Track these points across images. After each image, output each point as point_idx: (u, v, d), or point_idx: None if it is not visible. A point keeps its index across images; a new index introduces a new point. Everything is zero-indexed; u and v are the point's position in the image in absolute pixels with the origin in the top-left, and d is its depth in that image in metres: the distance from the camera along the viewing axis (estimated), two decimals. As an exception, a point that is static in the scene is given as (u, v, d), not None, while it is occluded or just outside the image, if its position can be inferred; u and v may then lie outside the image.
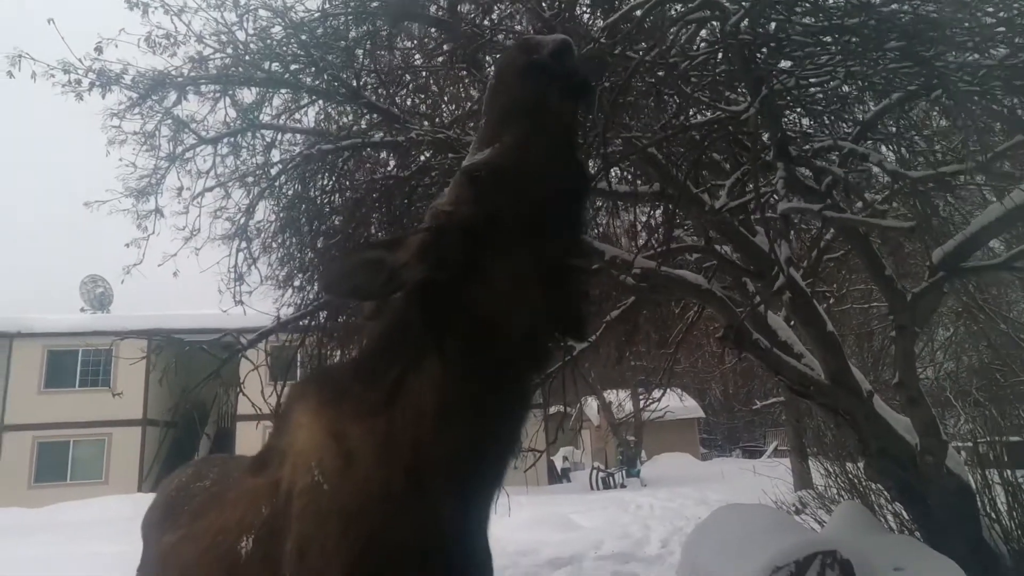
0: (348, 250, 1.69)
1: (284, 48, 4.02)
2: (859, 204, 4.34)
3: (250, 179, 4.44)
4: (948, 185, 2.68)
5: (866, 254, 3.23)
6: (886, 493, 5.62)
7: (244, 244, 4.38)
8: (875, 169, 3.76)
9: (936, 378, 10.17)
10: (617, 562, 8.21)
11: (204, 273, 4.32)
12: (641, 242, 5.59)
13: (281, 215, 4.44)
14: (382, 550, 1.41)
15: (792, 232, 5.59)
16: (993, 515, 4.64)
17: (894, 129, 2.73)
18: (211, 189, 4.17)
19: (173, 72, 4.11)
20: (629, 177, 4.71)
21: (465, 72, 3.67)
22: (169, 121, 4.21)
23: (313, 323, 4.57)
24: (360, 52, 4.00)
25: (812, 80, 2.40)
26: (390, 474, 1.42)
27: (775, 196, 2.20)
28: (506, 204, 1.45)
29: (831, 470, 6.62)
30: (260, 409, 4.15)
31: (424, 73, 4.38)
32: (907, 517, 5.29)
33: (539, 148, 1.48)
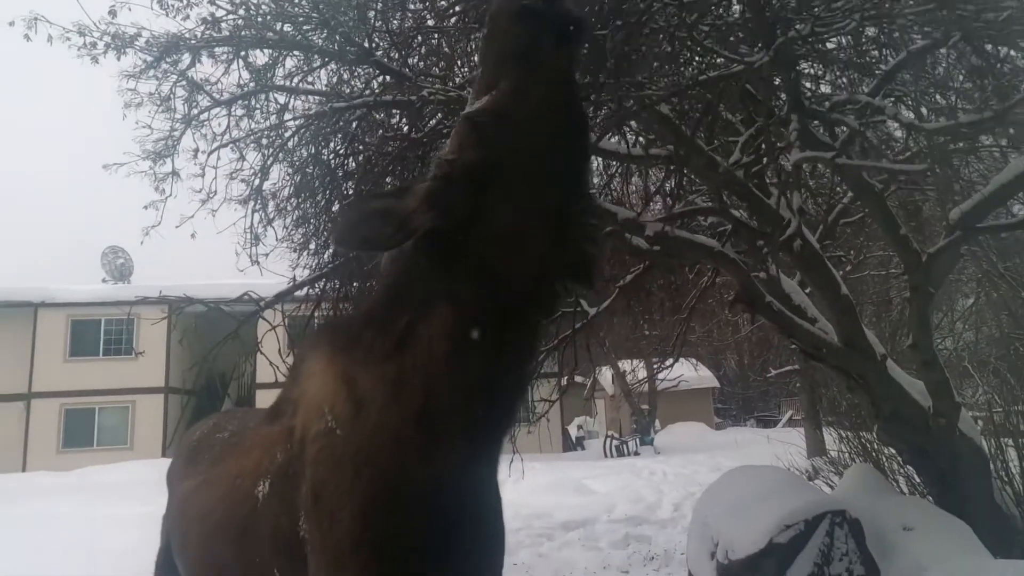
0: (356, 201, 1.72)
1: (295, 8, 4.00)
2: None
3: (264, 140, 4.46)
4: (965, 138, 2.62)
5: (881, 213, 3.19)
6: (898, 457, 5.64)
7: (259, 205, 4.43)
8: (892, 129, 3.70)
9: (955, 348, 10.07)
10: (630, 525, 8.33)
11: (221, 235, 4.40)
12: (656, 207, 5.56)
13: (295, 178, 4.46)
14: (394, 492, 1.45)
15: (807, 194, 5.53)
16: (1005, 478, 4.64)
17: (912, 82, 2.66)
18: (225, 146, 4.19)
19: (186, 35, 4.12)
20: (643, 141, 4.66)
21: (478, 33, 3.62)
22: (183, 83, 4.23)
23: (329, 285, 4.61)
24: (372, 13, 3.96)
25: (827, 28, 2.34)
26: (401, 418, 1.46)
27: (787, 154, 2.18)
28: (507, 149, 1.45)
29: (844, 435, 6.63)
30: (278, 371, 4.22)
31: (436, 36, 4.34)
32: (918, 480, 5.31)
33: (536, 92, 1.47)
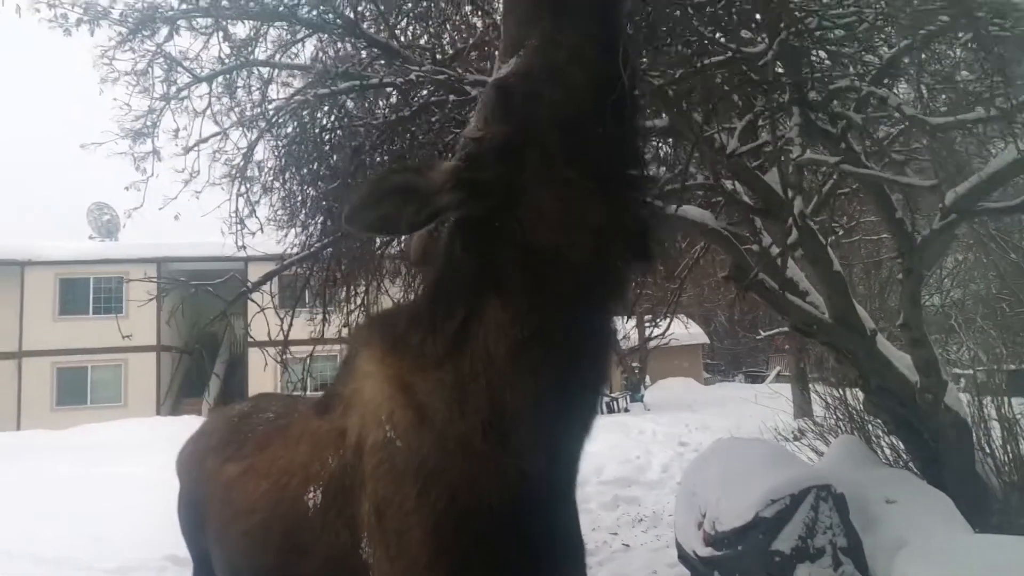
0: (374, 176, 1.49)
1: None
2: (877, 134, 4.21)
3: (247, 117, 4.31)
4: (968, 131, 2.57)
5: (877, 195, 3.16)
6: (883, 426, 5.75)
7: (244, 189, 4.31)
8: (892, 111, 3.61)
9: (942, 306, 10.17)
10: (619, 486, 8.50)
11: (205, 217, 4.28)
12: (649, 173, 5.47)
13: (281, 158, 4.33)
14: (465, 509, 1.33)
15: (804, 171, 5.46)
16: (987, 449, 4.74)
17: (916, 75, 2.58)
18: (207, 140, 4.05)
19: (163, 4, 3.93)
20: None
21: (469, 5, 3.49)
22: (161, 60, 4.04)
23: (316, 267, 4.54)
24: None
25: (835, 22, 2.26)
26: (467, 429, 1.32)
27: (788, 146, 2.13)
28: (541, 113, 1.27)
29: (830, 402, 6.74)
30: (271, 333, 4.18)
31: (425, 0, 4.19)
32: (902, 448, 5.43)
33: (568, 42, 1.27)
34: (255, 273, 4.94)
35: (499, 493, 1.33)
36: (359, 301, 5.40)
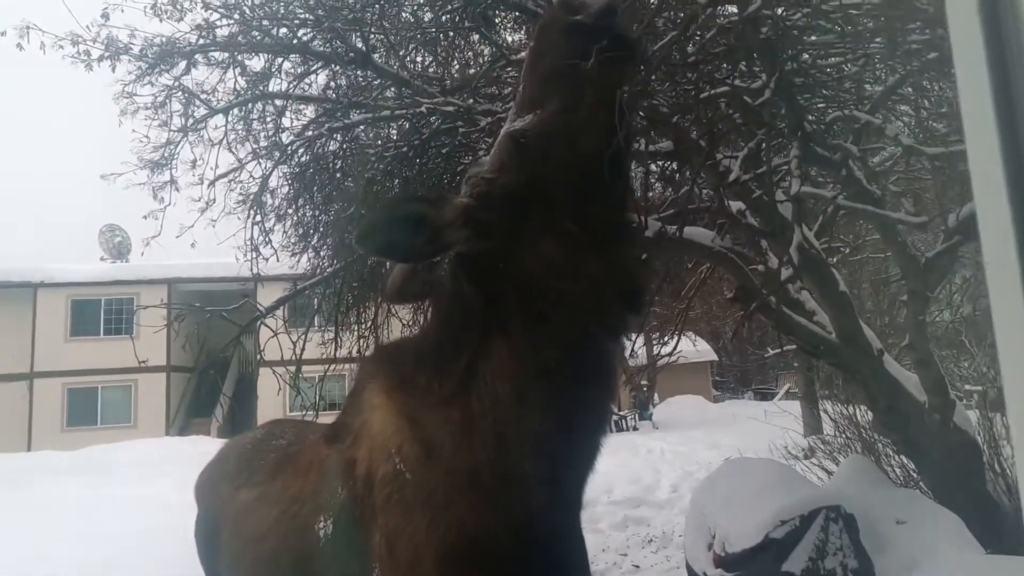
0: (388, 201, 1.54)
1: (290, 10, 3.93)
2: (875, 159, 4.26)
3: (262, 147, 4.41)
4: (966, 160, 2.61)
5: (879, 219, 3.20)
6: (893, 445, 5.73)
7: (259, 218, 4.41)
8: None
9: (952, 322, 10.11)
10: (628, 506, 8.46)
11: (221, 245, 4.38)
12: (654, 193, 5.53)
13: (293, 186, 4.44)
14: (473, 541, 1.37)
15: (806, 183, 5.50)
16: (998, 469, 4.72)
17: (914, 105, 2.63)
18: (226, 175, 4.17)
19: (180, 40, 4.05)
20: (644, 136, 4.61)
21: (477, 34, 3.58)
22: (179, 93, 4.17)
23: (329, 291, 4.62)
24: (369, 13, 3.89)
25: (830, 61, 2.33)
26: (474, 463, 1.37)
27: (788, 177, 2.19)
28: (551, 169, 1.37)
29: (839, 422, 6.71)
30: (283, 355, 4.25)
31: (433, 29, 4.28)
32: (912, 468, 5.40)
33: (584, 112, 1.39)
34: (267, 293, 5.03)
35: (505, 524, 1.38)
36: (369, 324, 5.47)
